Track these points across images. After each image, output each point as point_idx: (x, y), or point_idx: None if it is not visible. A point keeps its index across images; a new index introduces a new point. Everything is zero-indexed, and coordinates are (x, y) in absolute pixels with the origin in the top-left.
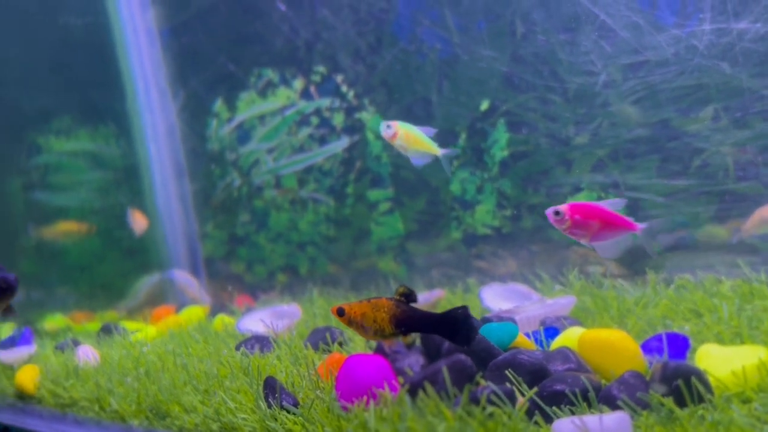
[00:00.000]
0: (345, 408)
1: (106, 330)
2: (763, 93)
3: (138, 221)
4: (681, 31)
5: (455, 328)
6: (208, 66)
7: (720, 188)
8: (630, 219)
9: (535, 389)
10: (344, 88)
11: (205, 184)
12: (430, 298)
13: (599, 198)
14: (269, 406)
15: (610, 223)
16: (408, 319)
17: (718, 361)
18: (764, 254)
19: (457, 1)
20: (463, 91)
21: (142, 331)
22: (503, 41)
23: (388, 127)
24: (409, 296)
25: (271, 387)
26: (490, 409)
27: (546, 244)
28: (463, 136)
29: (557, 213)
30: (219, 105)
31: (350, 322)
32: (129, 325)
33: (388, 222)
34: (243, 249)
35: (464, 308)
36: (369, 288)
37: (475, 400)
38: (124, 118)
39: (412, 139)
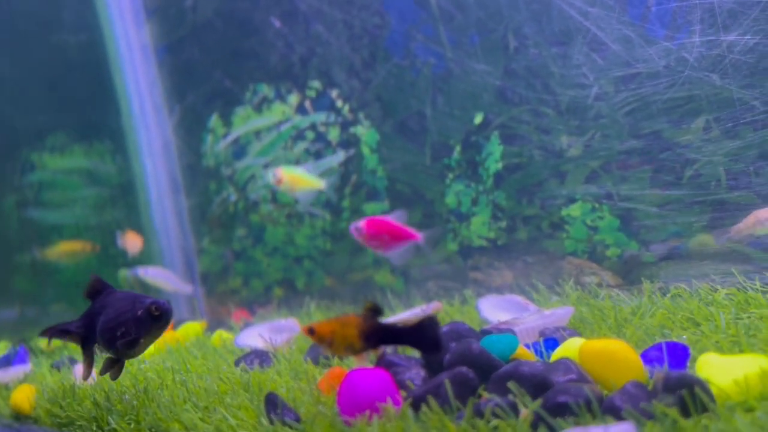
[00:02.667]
0: (347, 422)
1: None
2: (752, 104)
3: (131, 241)
4: (671, 43)
5: (422, 338)
6: (203, 82)
7: (713, 198)
8: (412, 230)
9: (539, 401)
10: (339, 103)
11: (201, 199)
12: (428, 311)
13: (593, 208)
14: (271, 422)
15: (397, 235)
16: (376, 333)
17: (718, 370)
18: (757, 263)
19: (450, 17)
20: (457, 104)
21: None
22: (496, 55)
23: (273, 174)
24: (376, 310)
25: (272, 403)
26: (494, 422)
27: (541, 255)
28: (458, 149)
29: (357, 228)
30: (214, 120)
31: (321, 340)
32: None
33: None
34: (240, 263)
35: (430, 318)
36: (367, 301)
37: (478, 412)
38: (119, 135)
39: (296, 180)
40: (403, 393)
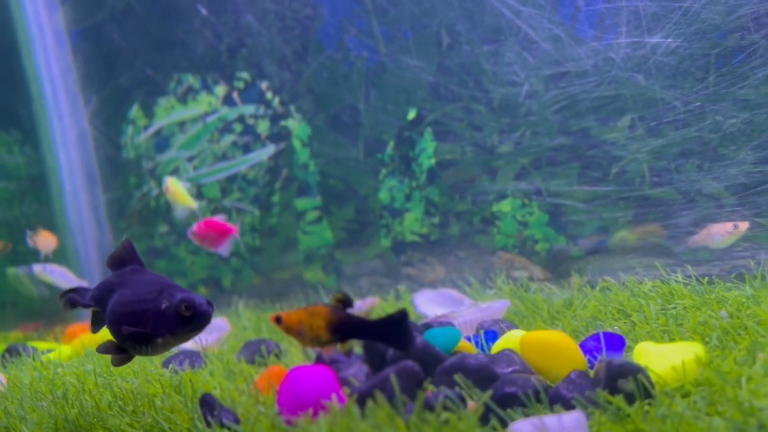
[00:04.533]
0: (289, 422)
1: (13, 351)
2: (674, 103)
3: (44, 240)
4: (599, 43)
5: (393, 333)
6: (123, 70)
7: (637, 194)
8: (229, 225)
9: (490, 392)
10: (269, 95)
11: (120, 193)
12: (364, 306)
13: (523, 204)
14: (208, 424)
15: (219, 230)
16: (345, 326)
17: (655, 357)
18: (678, 257)
19: (384, 11)
20: (390, 99)
21: (56, 351)
22: (429, 51)
23: (164, 181)
24: (346, 302)
25: (208, 404)
26: (444, 415)
27: (473, 249)
28: (391, 144)
29: (191, 232)
30: (135, 111)
31: (288, 330)
32: (39, 345)
33: (317, 231)
34: (162, 261)
35: (402, 313)
36: (298, 299)
37: (428, 406)
38: (30, 124)
39: (177, 193)
40: (346, 390)
